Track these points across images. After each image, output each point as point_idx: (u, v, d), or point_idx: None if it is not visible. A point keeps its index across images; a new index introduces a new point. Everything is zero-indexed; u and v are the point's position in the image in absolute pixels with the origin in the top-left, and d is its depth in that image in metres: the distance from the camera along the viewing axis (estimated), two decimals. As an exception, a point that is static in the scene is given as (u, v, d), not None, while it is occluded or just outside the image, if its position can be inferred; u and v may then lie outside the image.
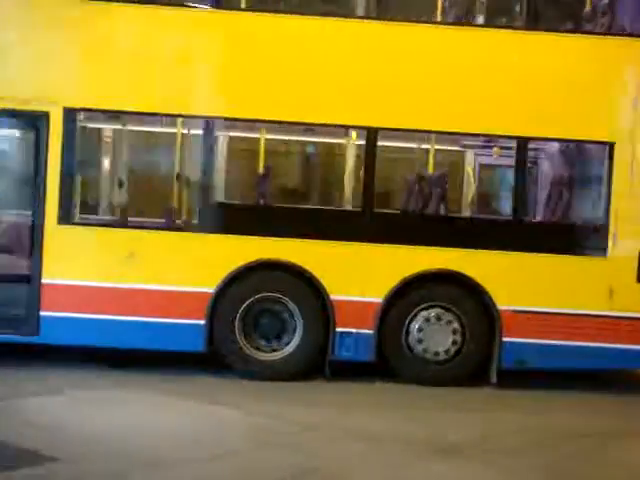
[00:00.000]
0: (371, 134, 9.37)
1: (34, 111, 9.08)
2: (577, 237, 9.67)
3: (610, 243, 9.22)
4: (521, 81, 9.51)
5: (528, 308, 9.41)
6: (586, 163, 10.00)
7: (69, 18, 9.20)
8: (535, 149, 9.89)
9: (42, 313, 9.12)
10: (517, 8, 10.03)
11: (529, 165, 9.77)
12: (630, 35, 9.56)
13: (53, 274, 9.11)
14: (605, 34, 9.70)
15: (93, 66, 9.25)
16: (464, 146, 10.53)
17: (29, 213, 9.27)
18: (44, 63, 9.17)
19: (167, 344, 9.25)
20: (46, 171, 9.08)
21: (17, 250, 9.47)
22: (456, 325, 9.58)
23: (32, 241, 9.16)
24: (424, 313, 9.54)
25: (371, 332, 9.38)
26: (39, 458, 6.55)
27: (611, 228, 9.22)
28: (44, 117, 9.10)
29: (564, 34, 9.75)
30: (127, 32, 9.35)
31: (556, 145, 9.90)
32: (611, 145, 9.26)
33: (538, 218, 9.94)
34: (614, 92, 9.41)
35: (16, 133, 10.03)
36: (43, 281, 9.10)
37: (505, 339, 9.45)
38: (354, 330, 9.39)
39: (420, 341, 9.56)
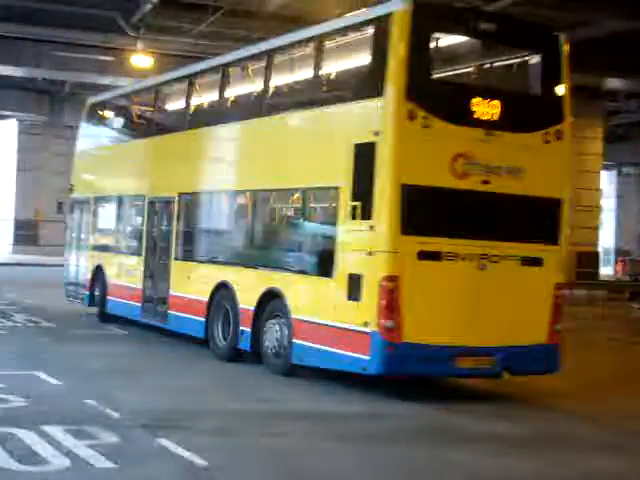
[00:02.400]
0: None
1: None
2: (321, 262, 11.97)
3: (335, 267, 11.49)
4: (272, 149, 13.32)
5: (301, 317, 12.10)
6: (327, 205, 12.17)
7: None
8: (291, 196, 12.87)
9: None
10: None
11: (297, 208, 12.79)
12: (341, 102, 12.05)
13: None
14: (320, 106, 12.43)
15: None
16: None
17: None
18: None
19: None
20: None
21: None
22: (280, 329, 12.60)
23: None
24: (272, 320, 12.81)
25: (249, 330, 13.22)
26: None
27: (336, 255, 11.47)
28: None
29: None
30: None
31: (302, 192, 12.56)
32: (336, 189, 11.55)
33: (300, 248, 12.45)
34: (336, 148, 11.72)
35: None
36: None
37: (294, 341, 12.23)
38: (243, 328, 13.42)
39: (265, 339, 12.90)
